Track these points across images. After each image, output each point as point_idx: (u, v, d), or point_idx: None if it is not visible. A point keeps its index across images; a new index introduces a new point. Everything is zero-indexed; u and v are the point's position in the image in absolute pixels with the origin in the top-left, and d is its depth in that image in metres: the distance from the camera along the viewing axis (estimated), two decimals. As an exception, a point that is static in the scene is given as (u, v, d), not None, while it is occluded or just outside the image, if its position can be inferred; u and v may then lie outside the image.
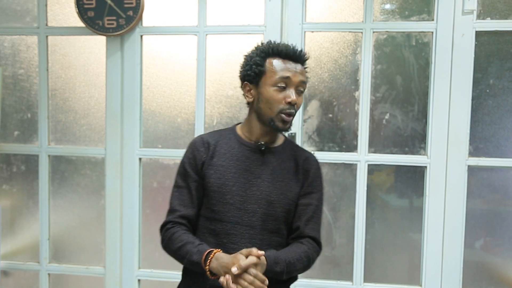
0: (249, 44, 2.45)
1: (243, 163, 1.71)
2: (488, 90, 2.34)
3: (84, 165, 2.65)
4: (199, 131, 2.48)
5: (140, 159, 2.57)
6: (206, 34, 2.46)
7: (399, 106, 2.43)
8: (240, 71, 1.78)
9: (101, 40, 2.54)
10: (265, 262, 1.55)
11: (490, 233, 2.38)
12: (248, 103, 1.77)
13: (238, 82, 2.49)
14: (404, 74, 2.41)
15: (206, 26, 2.45)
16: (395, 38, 2.41)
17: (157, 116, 2.57)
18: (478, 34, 2.31)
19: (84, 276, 2.67)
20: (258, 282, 1.49)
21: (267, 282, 1.51)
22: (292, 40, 2.38)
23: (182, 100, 2.54)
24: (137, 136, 2.55)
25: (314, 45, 2.47)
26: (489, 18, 2.31)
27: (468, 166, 2.33)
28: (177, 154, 2.54)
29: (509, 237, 2.36)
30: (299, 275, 1.74)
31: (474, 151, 2.35)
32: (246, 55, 1.78)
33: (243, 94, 1.77)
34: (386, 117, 2.44)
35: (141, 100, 2.55)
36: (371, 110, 2.43)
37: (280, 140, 1.80)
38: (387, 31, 2.40)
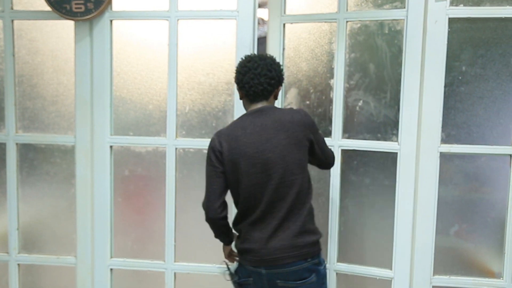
0: (221, 29, 2.43)
1: None
2: (460, 77, 2.34)
3: (54, 153, 2.58)
4: (171, 118, 2.44)
5: (111, 146, 2.52)
6: (178, 19, 2.41)
7: (372, 93, 2.42)
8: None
9: (69, 24, 2.47)
10: None
11: (463, 219, 2.40)
12: None
13: (211, 68, 2.49)
14: (377, 62, 2.41)
15: (178, 11, 2.40)
16: (368, 27, 2.40)
17: (128, 103, 2.52)
18: (451, 21, 2.30)
19: (55, 266, 2.62)
20: None
21: None
22: (272, 31, 2.41)
23: (154, 86, 2.49)
24: (107, 124, 2.50)
25: (292, 36, 2.48)
26: (462, 5, 2.30)
27: (441, 153, 2.34)
28: (149, 142, 2.50)
29: (481, 223, 2.39)
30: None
31: (447, 138, 2.36)
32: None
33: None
34: (360, 104, 2.44)
35: (111, 86, 2.49)
36: (345, 97, 2.43)
37: None
38: (360, 20, 2.39)
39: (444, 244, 2.30)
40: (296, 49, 2.48)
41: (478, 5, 2.30)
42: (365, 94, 2.43)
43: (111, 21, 2.45)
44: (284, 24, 2.48)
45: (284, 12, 2.47)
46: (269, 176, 1.95)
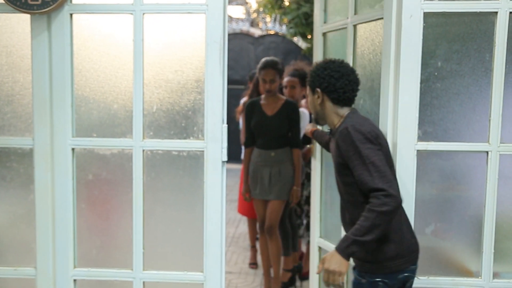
0: (190, 23, 2.31)
1: None
2: (436, 73, 2.30)
3: (10, 157, 2.40)
4: (138, 118, 2.31)
5: (73, 149, 2.36)
6: (143, 13, 2.27)
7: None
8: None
9: (25, 18, 2.30)
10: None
11: (440, 218, 2.36)
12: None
13: (179, 65, 2.36)
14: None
15: (143, 4, 2.26)
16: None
17: (91, 102, 2.36)
18: (426, 15, 2.25)
19: (12, 278, 2.44)
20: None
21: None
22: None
23: (119, 85, 2.34)
24: (69, 125, 2.34)
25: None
26: (437, -1, 2.26)
27: (417, 150, 2.29)
28: (114, 144, 2.35)
29: (458, 222, 2.35)
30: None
31: (423, 136, 2.31)
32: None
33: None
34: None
35: (72, 85, 2.34)
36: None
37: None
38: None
39: (421, 244, 2.24)
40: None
41: None
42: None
43: (71, 14, 2.30)
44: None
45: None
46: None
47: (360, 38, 2.66)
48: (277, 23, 12.73)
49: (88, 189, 2.42)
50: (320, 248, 3.12)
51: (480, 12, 2.25)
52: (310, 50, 8.32)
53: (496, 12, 2.23)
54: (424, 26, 2.26)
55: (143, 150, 2.33)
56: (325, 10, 3.06)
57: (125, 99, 2.34)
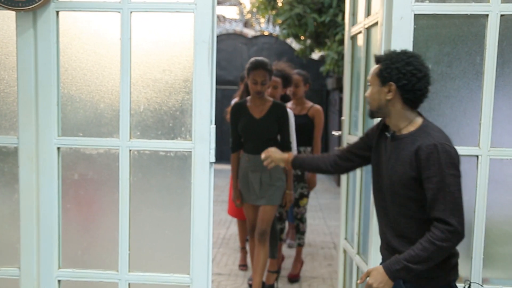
0: (178, 22, 2.28)
1: None
2: (426, 76, 2.28)
3: (-6, 156, 2.37)
4: (124, 118, 2.27)
5: (58, 148, 2.32)
6: (131, 12, 2.24)
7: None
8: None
9: (10, 15, 2.26)
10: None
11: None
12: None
13: (167, 65, 2.33)
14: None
15: (131, 3, 2.23)
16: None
17: (77, 101, 2.33)
18: (417, 17, 2.24)
19: (-4, 279, 2.41)
20: None
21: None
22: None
23: (106, 84, 2.31)
24: (54, 124, 2.30)
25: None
26: (427, 1, 2.24)
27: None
28: (100, 143, 2.32)
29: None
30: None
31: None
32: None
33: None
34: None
35: (58, 83, 2.30)
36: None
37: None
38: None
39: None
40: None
41: (444, 1, 2.25)
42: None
43: (57, 12, 2.26)
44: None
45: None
46: None
47: (372, 41, 2.67)
48: (270, 24, 12.73)
49: (73, 189, 2.38)
50: (345, 251, 3.20)
51: (471, 14, 2.24)
52: (303, 52, 8.29)
53: (487, 15, 2.22)
54: (414, 28, 2.24)
55: (130, 150, 2.30)
56: (353, 14, 3.05)
57: (112, 98, 2.31)
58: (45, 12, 2.24)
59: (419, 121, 1.97)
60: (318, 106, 4.37)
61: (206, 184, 2.29)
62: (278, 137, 3.67)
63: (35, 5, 2.19)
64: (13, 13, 2.24)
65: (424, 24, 2.26)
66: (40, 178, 2.32)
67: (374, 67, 2.01)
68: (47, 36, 2.26)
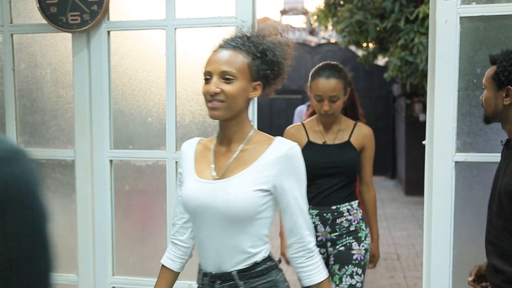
0: (221, 36, 2.34)
1: None
2: (475, 80, 2.18)
3: (54, 168, 2.54)
4: (171, 130, 2.36)
5: (111, 161, 2.45)
6: (175, 28, 2.33)
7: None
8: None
9: (67, 37, 2.43)
10: None
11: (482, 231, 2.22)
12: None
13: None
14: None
15: (175, 19, 2.33)
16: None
17: (127, 115, 2.45)
18: (463, 20, 2.15)
19: (57, 284, 2.56)
20: None
21: None
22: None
23: (153, 98, 2.41)
24: (107, 137, 2.43)
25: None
26: (474, 3, 2.15)
27: (456, 162, 2.18)
28: (148, 156, 2.42)
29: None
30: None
31: (462, 146, 2.19)
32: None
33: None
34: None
35: (110, 99, 2.43)
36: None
37: None
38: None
39: (472, 255, 2.13)
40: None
41: (492, 2, 2.15)
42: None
43: (108, 32, 2.40)
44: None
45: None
46: None
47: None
48: (334, 32, 12.64)
49: (125, 199, 2.50)
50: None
51: (523, 14, 2.12)
52: (366, 58, 8.16)
53: (541, 14, 2.09)
54: (460, 32, 2.15)
55: (176, 162, 2.38)
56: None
57: (159, 112, 2.40)
58: (97, 32, 2.39)
59: None
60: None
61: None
62: None
63: (88, 26, 2.33)
64: (69, 35, 2.41)
65: (471, 27, 2.17)
66: (95, 189, 2.46)
67: (489, 68, 1.88)
68: (99, 54, 2.40)
